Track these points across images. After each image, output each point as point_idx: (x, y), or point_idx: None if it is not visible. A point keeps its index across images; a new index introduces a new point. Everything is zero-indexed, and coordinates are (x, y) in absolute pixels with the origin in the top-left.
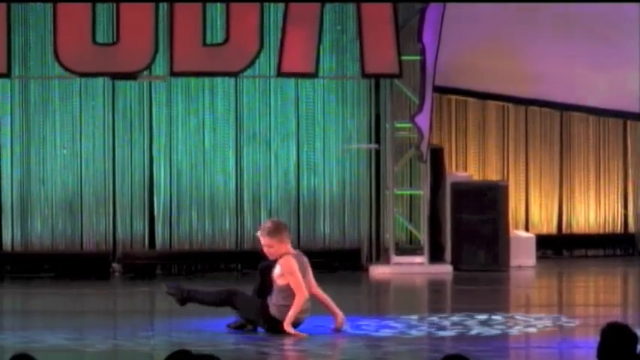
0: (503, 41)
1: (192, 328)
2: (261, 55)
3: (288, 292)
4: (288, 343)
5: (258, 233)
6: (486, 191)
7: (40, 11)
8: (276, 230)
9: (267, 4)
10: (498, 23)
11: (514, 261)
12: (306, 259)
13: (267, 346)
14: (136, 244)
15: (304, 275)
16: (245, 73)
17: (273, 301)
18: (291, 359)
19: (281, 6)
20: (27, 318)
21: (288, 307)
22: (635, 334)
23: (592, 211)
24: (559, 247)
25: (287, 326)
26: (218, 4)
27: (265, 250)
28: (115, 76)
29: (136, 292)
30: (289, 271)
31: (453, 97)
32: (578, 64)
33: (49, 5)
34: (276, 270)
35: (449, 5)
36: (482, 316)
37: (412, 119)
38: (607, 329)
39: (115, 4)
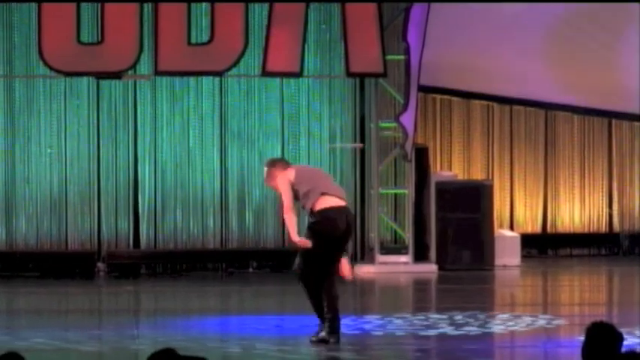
0: (487, 41)
1: (178, 327)
2: (246, 54)
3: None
4: (274, 342)
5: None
6: (471, 190)
7: (25, 10)
8: (274, 162)
9: (251, 3)
10: (483, 23)
11: (499, 260)
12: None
13: (253, 347)
14: (121, 244)
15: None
16: (230, 73)
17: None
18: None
19: (266, 5)
20: (12, 317)
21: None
22: (619, 334)
23: (577, 211)
24: (544, 247)
25: (294, 237)
26: (203, 3)
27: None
28: (100, 75)
29: (120, 291)
30: (279, 185)
31: (438, 96)
32: (561, 63)
33: (34, 5)
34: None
35: (433, 5)
36: (467, 316)
37: (397, 118)
38: (592, 328)
39: (99, 4)
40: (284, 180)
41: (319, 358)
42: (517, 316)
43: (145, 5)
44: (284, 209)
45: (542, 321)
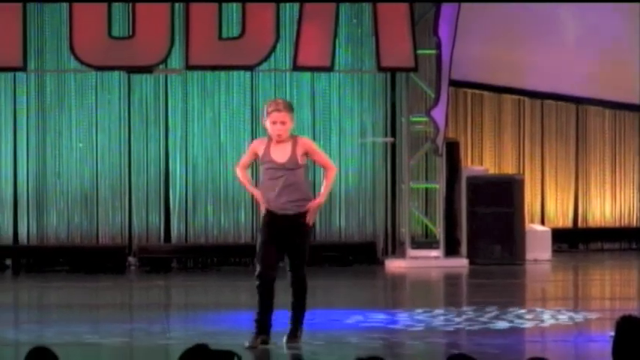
0: (519, 35)
1: (209, 321)
2: (277, 48)
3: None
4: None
5: (270, 108)
6: (502, 185)
7: (56, 5)
8: (292, 107)
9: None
10: (514, 16)
11: (530, 254)
12: None
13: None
14: (152, 238)
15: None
16: (261, 67)
17: (303, 186)
18: (305, 355)
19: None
20: (43, 311)
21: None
22: None
23: (608, 205)
24: (575, 241)
25: (322, 199)
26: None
27: (278, 126)
28: (131, 69)
29: (151, 285)
30: (315, 147)
31: (469, 90)
32: (593, 57)
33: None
34: (298, 150)
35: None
36: (498, 310)
37: (428, 113)
38: (622, 322)
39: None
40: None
41: (349, 352)
42: (548, 310)
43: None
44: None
45: (573, 315)
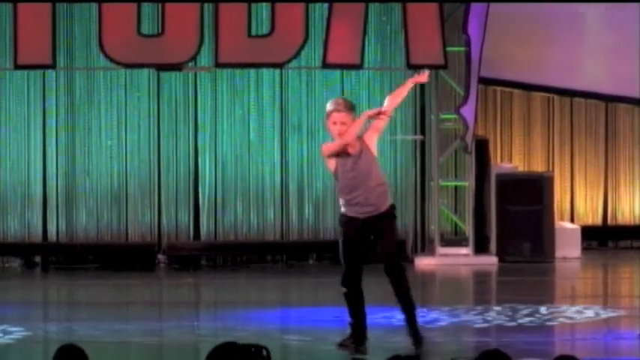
0: (548, 33)
1: (238, 319)
2: (306, 46)
3: None
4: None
5: (331, 107)
6: (531, 182)
7: (86, 3)
8: (353, 106)
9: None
10: (543, 15)
11: (559, 252)
12: None
13: (309, 340)
14: (181, 236)
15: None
16: (290, 65)
17: (382, 183)
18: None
19: None
20: (72, 309)
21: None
22: None
23: (637, 202)
24: (604, 239)
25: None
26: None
27: (338, 127)
28: (160, 67)
29: (181, 283)
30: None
31: (498, 88)
32: (622, 55)
33: None
34: (373, 146)
35: None
36: (528, 308)
37: (457, 110)
38: None
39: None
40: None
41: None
42: (577, 308)
43: None
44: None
45: (602, 313)
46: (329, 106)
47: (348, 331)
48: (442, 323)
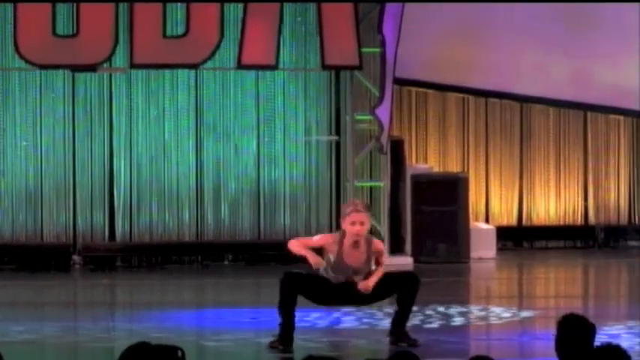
0: (463, 33)
1: (154, 319)
2: (222, 47)
3: None
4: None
5: (349, 209)
6: (447, 183)
7: (0, 4)
8: (369, 207)
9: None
10: (458, 15)
11: (474, 253)
12: None
13: (225, 341)
14: (97, 236)
15: None
16: (205, 65)
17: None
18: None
19: None
20: None
21: None
22: (592, 325)
23: (552, 203)
24: (519, 239)
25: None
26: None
27: (357, 227)
28: (75, 68)
29: (96, 283)
30: (384, 252)
31: (413, 88)
32: (537, 55)
33: None
34: (372, 254)
35: None
36: (443, 308)
37: (372, 111)
38: (563, 320)
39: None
40: None
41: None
42: (492, 308)
43: None
44: None
45: (517, 313)
46: (347, 207)
47: (277, 332)
48: (359, 324)
